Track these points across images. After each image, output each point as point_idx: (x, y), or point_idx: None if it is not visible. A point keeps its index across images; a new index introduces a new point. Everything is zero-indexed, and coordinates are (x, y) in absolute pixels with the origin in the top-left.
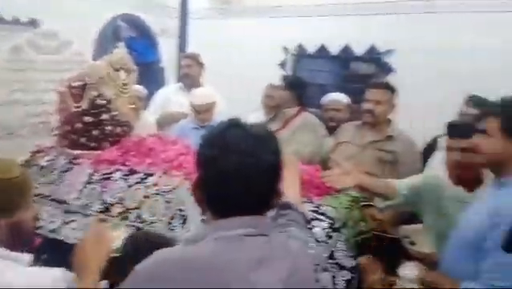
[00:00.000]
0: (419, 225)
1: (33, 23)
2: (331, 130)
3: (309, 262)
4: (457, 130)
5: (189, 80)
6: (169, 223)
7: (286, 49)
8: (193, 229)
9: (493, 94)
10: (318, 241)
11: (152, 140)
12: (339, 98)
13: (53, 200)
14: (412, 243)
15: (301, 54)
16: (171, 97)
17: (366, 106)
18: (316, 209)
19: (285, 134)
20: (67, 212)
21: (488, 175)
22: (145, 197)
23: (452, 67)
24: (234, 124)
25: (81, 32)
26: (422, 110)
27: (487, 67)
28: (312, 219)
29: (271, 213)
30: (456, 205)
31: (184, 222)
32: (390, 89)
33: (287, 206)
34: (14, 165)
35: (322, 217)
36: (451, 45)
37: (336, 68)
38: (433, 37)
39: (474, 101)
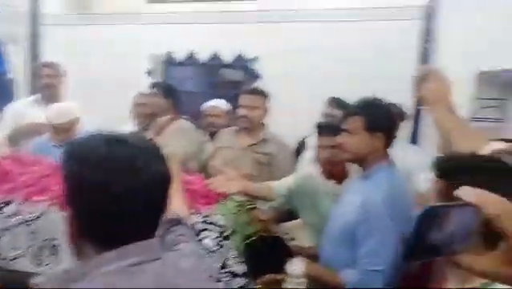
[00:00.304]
0: (297, 221)
1: None
2: (212, 136)
3: (205, 280)
4: (326, 129)
5: (49, 91)
6: (36, 256)
7: (153, 56)
8: (68, 261)
9: (351, 95)
10: (210, 251)
11: (7, 161)
12: (219, 104)
13: None
14: (292, 239)
15: (169, 62)
16: (25, 111)
17: (241, 111)
18: (205, 219)
19: (160, 141)
20: None
21: (352, 167)
22: (4, 229)
23: (312, 71)
24: (110, 138)
25: None
26: (288, 113)
27: (346, 70)
28: (202, 230)
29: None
30: (328, 199)
31: (55, 254)
32: (262, 94)
33: (176, 221)
34: None
35: (211, 226)
36: (310, 51)
37: (205, 76)
38: (294, 44)
39: (336, 102)
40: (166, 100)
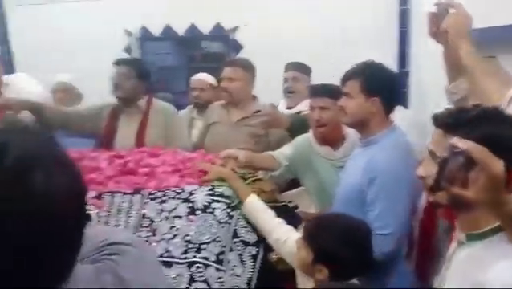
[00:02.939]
0: (299, 189)
1: None
2: (199, 109)
3: None
4: (317, 90)
5: None
6: None
7: (128, 32)
8: None
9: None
10: (221, 222)
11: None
12: (203, 77)
13: None
14: (296, 207)
15: (145, 37)
16: None
17: (222, 84)
18: (212, 192)
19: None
20: None
21: (349, 133)
22: None
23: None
24: None
25: None
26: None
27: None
28: (210, 202)
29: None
30: (326, 164)
31: None
32: (244, 66)
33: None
34: None
35: (219, 198)
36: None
37: (184, 49)
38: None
39: (295, 66)
40: (139, 80)
